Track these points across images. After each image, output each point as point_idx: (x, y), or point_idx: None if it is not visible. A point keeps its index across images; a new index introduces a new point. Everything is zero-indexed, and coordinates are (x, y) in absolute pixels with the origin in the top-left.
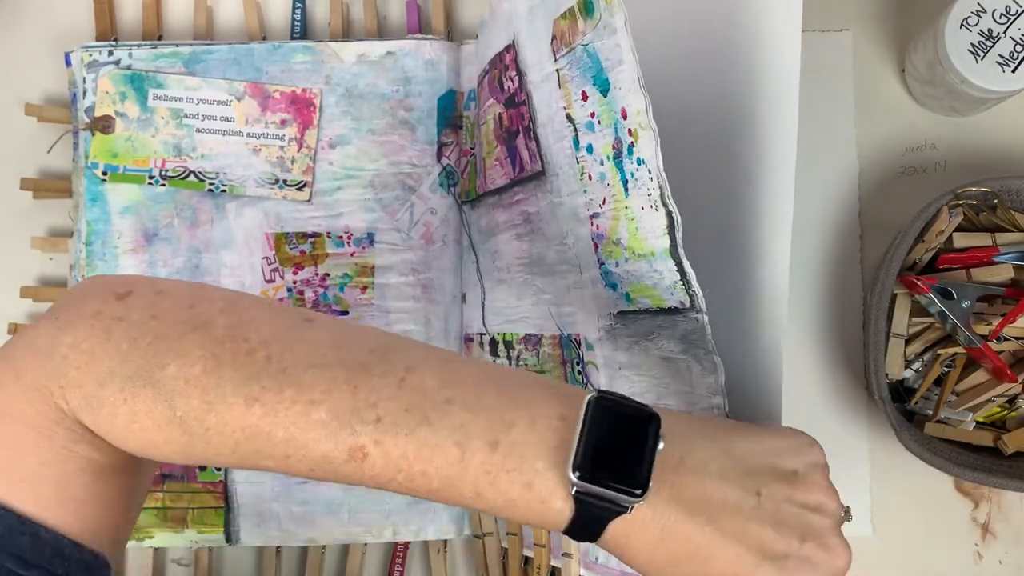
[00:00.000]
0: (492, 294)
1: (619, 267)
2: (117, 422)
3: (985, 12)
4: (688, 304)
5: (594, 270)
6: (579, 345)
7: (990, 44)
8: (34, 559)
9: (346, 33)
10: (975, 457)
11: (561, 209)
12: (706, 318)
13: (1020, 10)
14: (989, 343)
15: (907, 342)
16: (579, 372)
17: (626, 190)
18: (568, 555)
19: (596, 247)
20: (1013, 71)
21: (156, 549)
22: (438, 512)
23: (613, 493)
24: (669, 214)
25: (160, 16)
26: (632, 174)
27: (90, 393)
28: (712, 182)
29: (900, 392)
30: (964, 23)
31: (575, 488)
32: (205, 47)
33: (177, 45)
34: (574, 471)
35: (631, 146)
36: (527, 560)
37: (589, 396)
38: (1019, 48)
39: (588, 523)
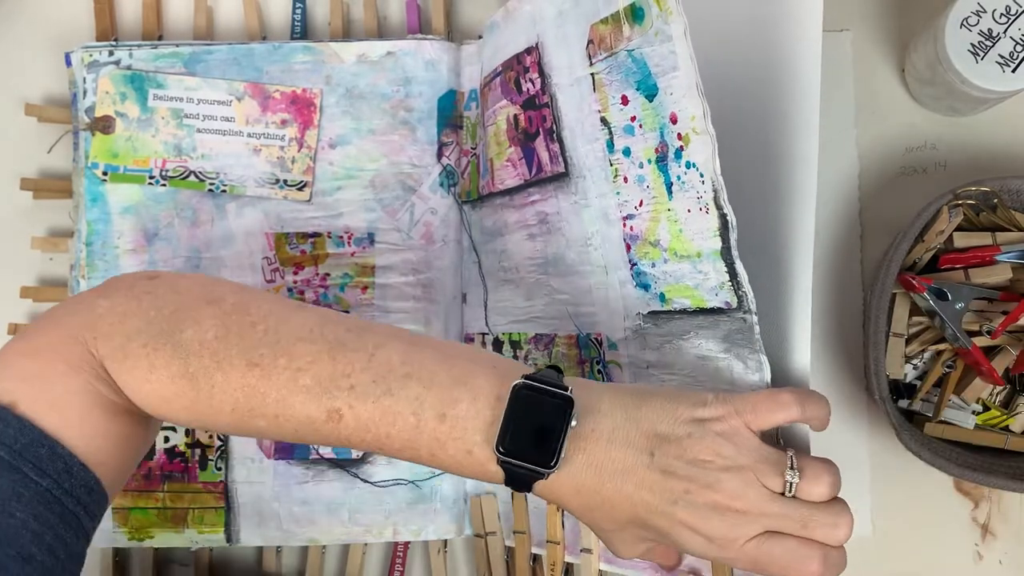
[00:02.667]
0: (496, 294)
1: (655, 268)
2: (137, 373)
3: (985, 12)
4: (735, 304)
5: (624, 271)
6: (600, 344)
7: (990, 44)
8: (48, 470)
9: (346, 33)
10: (975, 457)
11: (587, 211)
12: (755, 318)
13: (1020, 10)
14: (992, 342)
15: (907, 342)
16: (599, 371)
17: (669, 193)
18: (588, 550)
19: (628, 248)
20: (1013, 71)
21: (156, 549)
22: (438, 512)
23: (529, 465)
24: (723, 216)
25: (160, 16)
26: (679, 177)
27: (118, 345)
28: (740, 186)
29: (900, 392)
30: (964, 23)
31: (498, 459)
32: (205, 47)
33: (177, 45)
34: (497, 448)
35: (680, 150)
36: (536, 558)
37: (515, 382)
38: (1019, 48)
39: (517, 483)
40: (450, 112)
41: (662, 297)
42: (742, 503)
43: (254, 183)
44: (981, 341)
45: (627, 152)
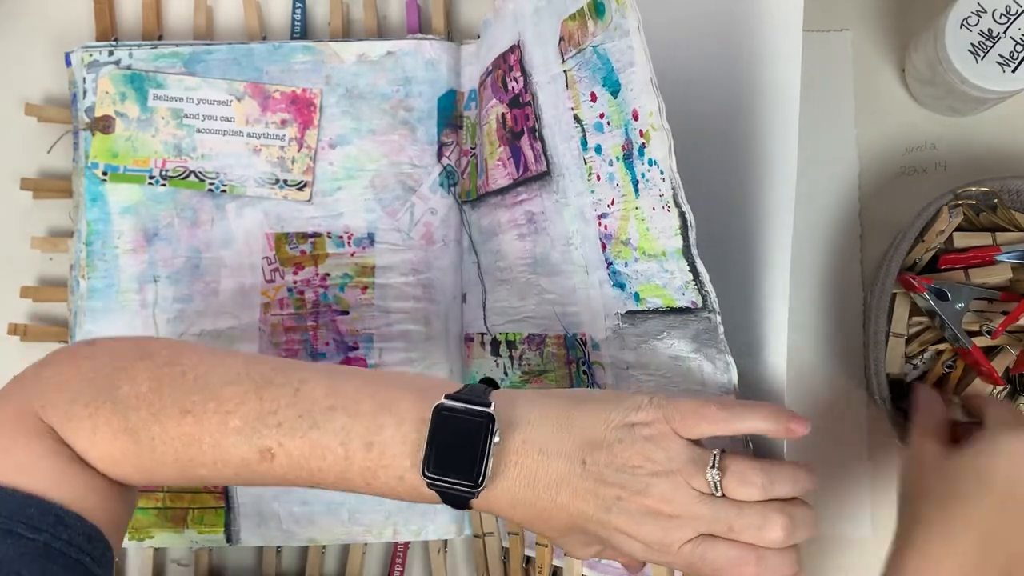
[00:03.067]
0: (494, 294)
1: (628, 267)
2: (82, 434)
3: (985, 12)
4: (700, 304)
5: (602, 270)
6: (585, 345)
7: (990, 44)
8: (41, 525)
9: (346, 33)
10: None
11: (568, 209)
12: (719, 318)
13: (1020, 10)
14: (992, 342)
15: (907, 342)
16: (584, 372)
17: (636, 191)
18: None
19: (604, 247)
20: (1013, 71)
21: (156, 549)
22: (438, 512)
23: (457, 486)
24: (682, 215)
25: (160, 16)
26: (643, 175)
27: (63, 410)
28: (713, 184)
29: (900, 392)
30: (964, 23)
31: (427, 482)
32: (205, 47)
33: (177, 45)
34: (423, 472)
35: (642, 147)
36: (528, 560)
37: (436, 404)
38: (1019, 48)
39: (452, 502)
40: (450, 112)
41: (637, 297)
42: (672, 507)
43: (254, 183)
44: (981, 341)
45: (598, 150)
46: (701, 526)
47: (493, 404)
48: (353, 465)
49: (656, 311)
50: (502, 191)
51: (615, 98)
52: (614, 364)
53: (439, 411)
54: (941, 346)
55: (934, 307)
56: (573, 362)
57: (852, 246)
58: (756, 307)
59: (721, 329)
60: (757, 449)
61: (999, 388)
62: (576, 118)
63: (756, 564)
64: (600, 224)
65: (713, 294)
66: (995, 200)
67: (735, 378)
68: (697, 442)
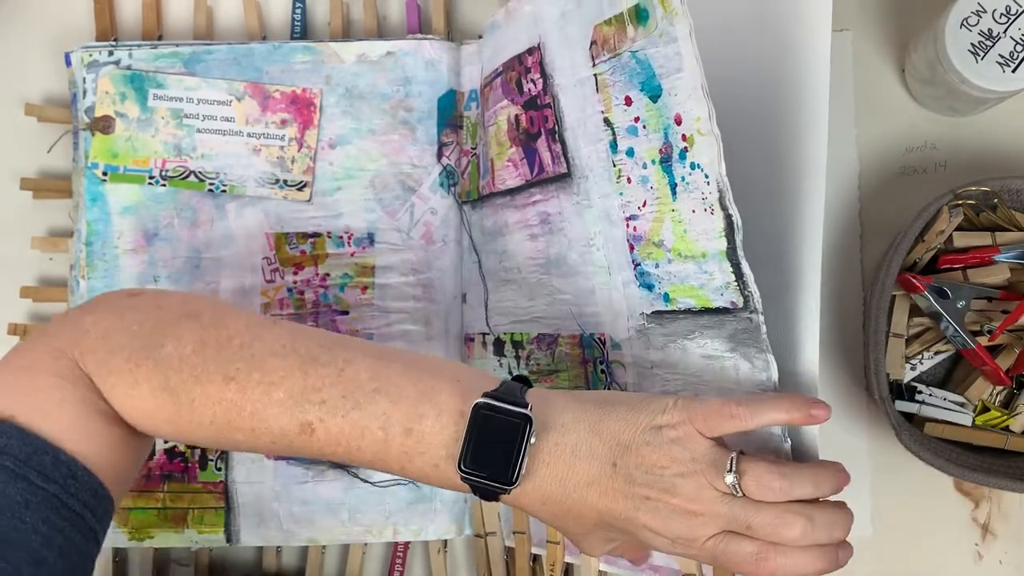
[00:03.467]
0: (497, 294)
1: (659, 268)
2: (120, 388)
3: (985, 12)
4: (741, 304)
5: (627, 271)
6: (604, 344)
7: (990, 44)
8: (53, 476)
9: (346, 33)
10: (975, 457)
11: (589, 211)
12: (762, 318)
13: (1020, 10)
14: (992, 342)
15: (907, 342)
16: (602, 371)
17: (674, 193)
18: None
19: (632, 248)
20: (1013, 71)
21: (156, 549)
22: (438, 512)
23: (490, 483)
24: (728, 217)
25: (160, 16)
26: (683, 178)
27: (102, 360)
28: (746, 185)
29: (900, 392)
30: (964, 23)
31: (461, 476)
32: (205, 47)
33: (177, 45)
34: (459, 466)
35: (684, 151)
36: (536, 558)
37: (476, 401)
38: (1019, 48)
39: (483, 495)
40: (450, 112)
41: (666, 297)
42: (697, 505)
43: (254, 183)
44: (981, 341)
45: (630, 153)
46: (723, 523)
47: (530, 405)
48: (391, 448)
49: (688, 311)
50: (511, 192)
51: (654, 103)
52: (637, 363)
53: (478, 409)
54: (942, 346)
55: (936, 307)
56: (590, 361)
57: (852, 246)
58: (789, 306)
59: (764, 329)
60: (794, 444)
61: (999, 388)
62: (606, 121)
63: (774, 560)
64: (628, 226)
65: (756, 295)
66: (995, 200)
67: (775, 375)
68: (721, 442)
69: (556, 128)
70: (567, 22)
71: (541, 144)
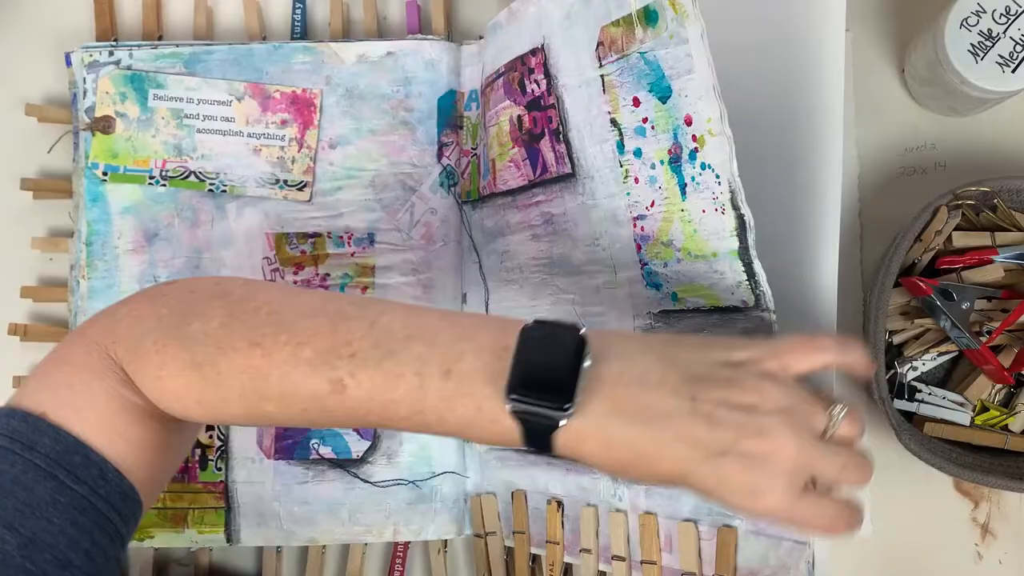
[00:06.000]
0: (498, 294)
1: (668, 268)
2: (149, 371)
3: (985, 12)
4: (752, 303)
5: (634, 270)
6: None
7: (990, 44)
8: (83, 476)
9: (346, 34)
10: (975, 457)
11: (595, 211)
12: (774, 316)
13: (1020, 10)
14: (992, 342)
15: (908, 343)
16: None
17: (683, 193)
18: (587, 551)
19: (639, 248)
20: (1013, 71)
21: (156, 549)
22: (439, 512)
23: (543, 409)
24: (740, 217)
25: (160, 16)
26: (693, 178)
27: (132, 346)
28: (763, 188)
29: (900, 391)
30: (964, 23)
31: (510, 407)
32: (205, 47)
33: (177, 45)
34: (508, 395)
35: (694, 151)
36: (535, 558)
37: (523, 324)
38: (1019, 48)
39: (535, 437)
40: (450, 112)
41: (674, 296)
42: (792, 448)
43: (254, 183)
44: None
45: (638, 153)
46: (816, 467)
47: (583, 330)
48: (428, 395)
49: (697, 310)
50: (513, 192)
51: (664, 103)
52: None
53: (525, 331)
54: (943, 347)
55: (943, 309)
56: None
57: (852, 246)
58: (807, 303)
59: (776, 328)
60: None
61: (998, 387)
62: (613, 122)
63: (847, 522)
64: (636, 226)
65: (768, 293)
66: (995, 200)
67: None
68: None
69: (560, 128)
70: (572, 23)
71: (544, 144)
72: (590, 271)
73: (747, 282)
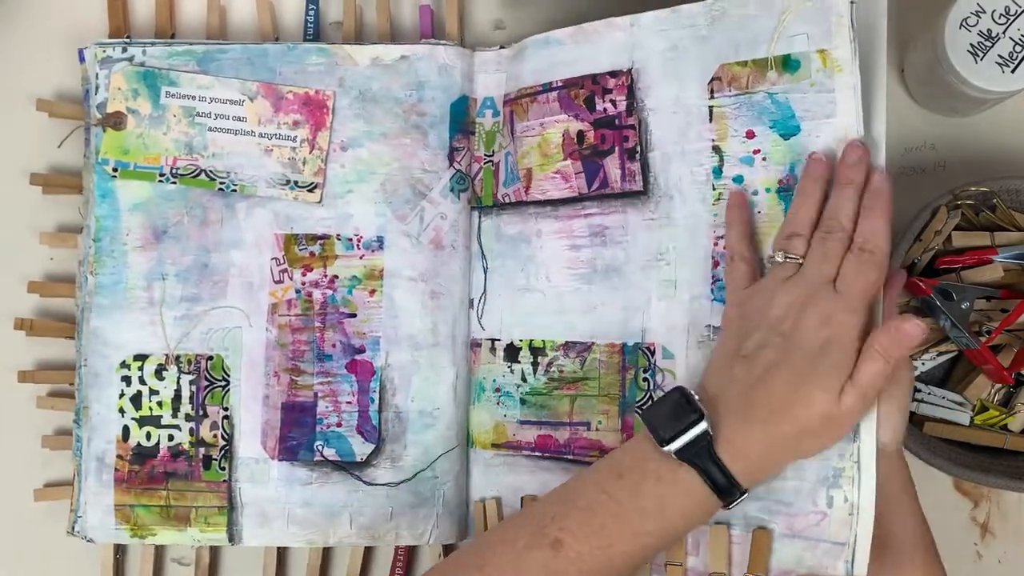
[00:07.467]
0: (515, 302)
1: None
2: None
3: (985, 12)
4: None
5: (701, 287)
6: (652, 354)
7: (989, 44)
8: None
9: (359, 37)
10: (975, 457)
11: (667, 229)
12: None
13: (1020, 10)
14: (992, 342)
15: None
16: (644, 379)
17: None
18: None
19: (716, 265)
20: (1012, 71)
21: (157, 547)
22: (441, 516)
23: (687, 426)
24: None
25: (173, 14)
26: None
27: None
28: None
29: None
30: (964, 23)
31: (669, 448)
32: (219, 46)
33: (191, 44)
34: (661, 444)
35: None
36: None
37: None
38: (1018, 48)
39: (708, 469)
40: (462, 118)
41: None
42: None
43: (265, 183)
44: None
45: (738, 179)
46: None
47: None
48: (622, 500)
49: None
50: (555, 202)
51: (785, 140)
52: (689, 371)
53: (643, 410)
54: (942, 347)
55: (943, 309)
56: (631, 369)
57: None
58: None
59: None
60: None
61: (998, 387)
62: (715, 148)
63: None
64: (717, 244)
65: None
66: (994, 200)
67: None
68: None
69: (638, 148)
70: (680, 56)
71: (611, 161)
72: (644, 285)
73: None
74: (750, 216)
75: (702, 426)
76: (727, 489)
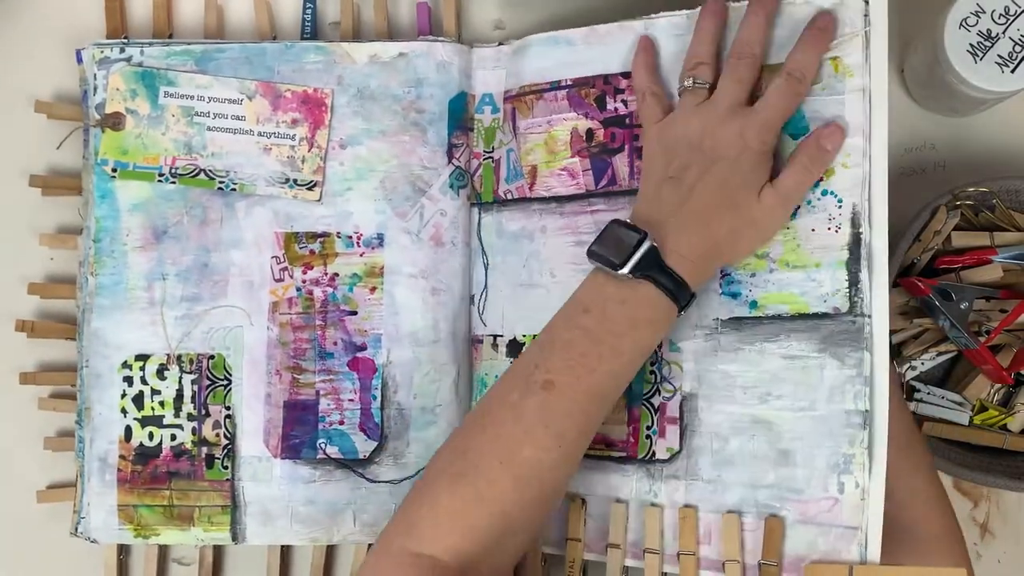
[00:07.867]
0: (518, 298)
1: (755, 277)
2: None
3: (984, 12)
4: (846, 309)
5: (710, 282)
6: (660, 347)
7: (989, 44)
8: None
9: (356, 34)
10: (974, 457)
11: None
12: (867, 319)
13: (1019, 10)
14: (992, 342)
15: (907, 343)
16: (651, 372)
17: (794, 214)
18: (615, 546)
19: None
20: (1012, 71)
21: (160, 547)
22: None
23: (636, 246)
24: (857, 234)
25: (170, 15)
26: (809, 202)
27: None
28: None
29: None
30: (963, 23)
31: (626, 271)
32: (217, 46)
33: (189, 43)
34: (615, 269)
35: (818, 181)
36: (545, 559)
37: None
38: (1018, 48)
39: (659, 279)
40: (461, 114)
41: (753, 304)
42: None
43: (264, 182)
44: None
45: None
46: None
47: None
48: (594, 314)
49: (777, 317)
50: (560, 199)
51: (794, 139)
52: (698, 363)
53: (589, 253)
54: (942, 347)
55: (942, 309)
56: None
57: None
58: None
59: (867, 329)
60: None
61: (997, 387)
62: None
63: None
64: None
65: (868, 298)
66: (994, 200)
67: (867, 370)
68: None
69: None
70: None
71: (620, 159)
72: None
73: (846, 290)
74: (654, 56)
75: (648, 243)
76: (681, 293)
